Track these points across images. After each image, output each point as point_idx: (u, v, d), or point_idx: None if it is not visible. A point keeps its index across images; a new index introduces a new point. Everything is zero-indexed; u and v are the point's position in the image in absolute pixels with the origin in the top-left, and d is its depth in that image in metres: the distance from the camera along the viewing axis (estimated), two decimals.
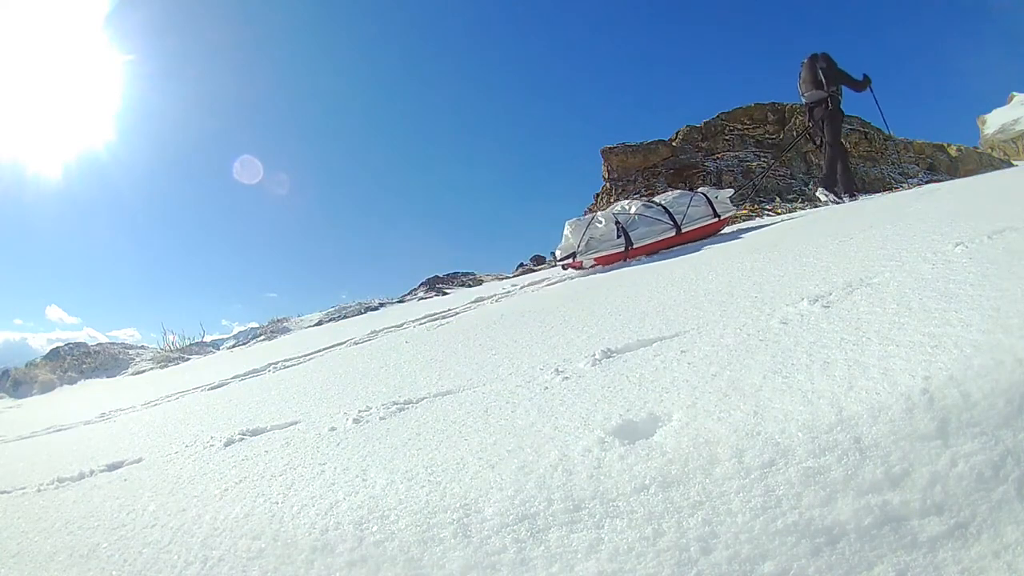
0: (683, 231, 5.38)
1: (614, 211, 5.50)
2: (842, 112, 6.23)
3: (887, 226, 3.34)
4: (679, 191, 6.16)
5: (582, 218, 5.48)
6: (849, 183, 6.25)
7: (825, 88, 6.01)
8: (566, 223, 5.45)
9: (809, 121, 6.49)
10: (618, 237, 5.16)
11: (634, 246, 5.17)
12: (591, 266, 5.31)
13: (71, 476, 2.29)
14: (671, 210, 5.41)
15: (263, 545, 1.29)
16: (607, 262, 5.23)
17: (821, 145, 6.49)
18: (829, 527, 0.93)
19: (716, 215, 5.67)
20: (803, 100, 6.41)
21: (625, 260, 5.17)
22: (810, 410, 1.13)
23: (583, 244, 5.22)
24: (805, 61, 6.29)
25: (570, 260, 5.41)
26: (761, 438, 1.09)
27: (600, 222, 5.27)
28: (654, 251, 5.33)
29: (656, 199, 5.63)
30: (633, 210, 5.41)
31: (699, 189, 6.09)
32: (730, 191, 6.18)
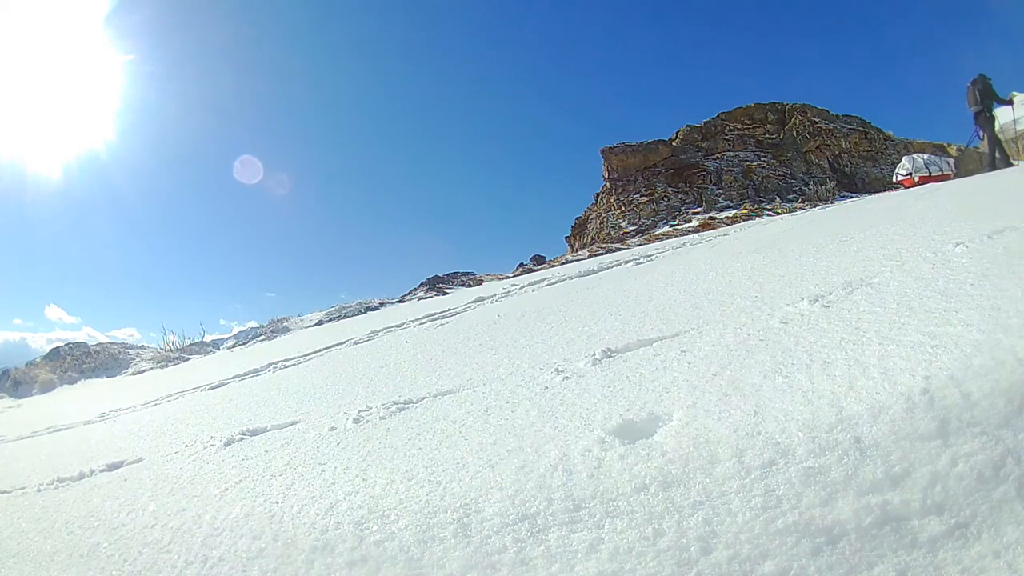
0: (944, 173, 9.92)
1: (917, 156, 10.86)
2: (994, 117, 9.23)
3: (887, 226, 3.34)
4: (929, 155, 11.57)
5: (909, 155, 10.98)
6: (994, 162, 9.13)
7: (979, 102, 9.09)
8: (904, 158, 11.20)
9: (976, 124, 9.42)
10: (926, 169, 10.34)
11: (932, 175, 9.87)
12: (917, 182, 9.74)
13: (71, 476, 2.29)
14: (938, 162, 10.48)
15: (263, 545, 1.29)
16: (923, 181, 9.66)
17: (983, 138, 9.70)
18: (829, 527, 0.93)
19: (950, 168, 10.17)
20: (970, 111, 9.38)
21: (929, 180, 9.35)
22: (810, 410, 1.13)
23: (914, 170, 10.28)
24: (968, 85, 9.14)
25: (907, 179, 10.26)
26: (761, 438, 1.09)
27: (920, 161, 10.53)
28: (934, 181, 9.00)
29: (927, 156, 11.12)
30: (927, 157, 10.73)
31: (938, 156, 11.48)
32: (952, 158, 11.19)
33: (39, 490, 2.25)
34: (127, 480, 2.06)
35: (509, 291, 6.59)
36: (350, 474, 1.49)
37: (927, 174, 10.10)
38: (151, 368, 11.53)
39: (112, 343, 15.56)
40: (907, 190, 9.07)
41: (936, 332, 1.34)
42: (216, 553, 1.33)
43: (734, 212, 19.30)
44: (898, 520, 0.92)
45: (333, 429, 2.00)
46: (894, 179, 11.08)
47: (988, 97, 9.10)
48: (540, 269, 14.06)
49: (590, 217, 25.24)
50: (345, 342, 5.69)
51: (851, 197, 17.10)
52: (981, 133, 9.41)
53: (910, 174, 10.31)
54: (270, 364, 5.24)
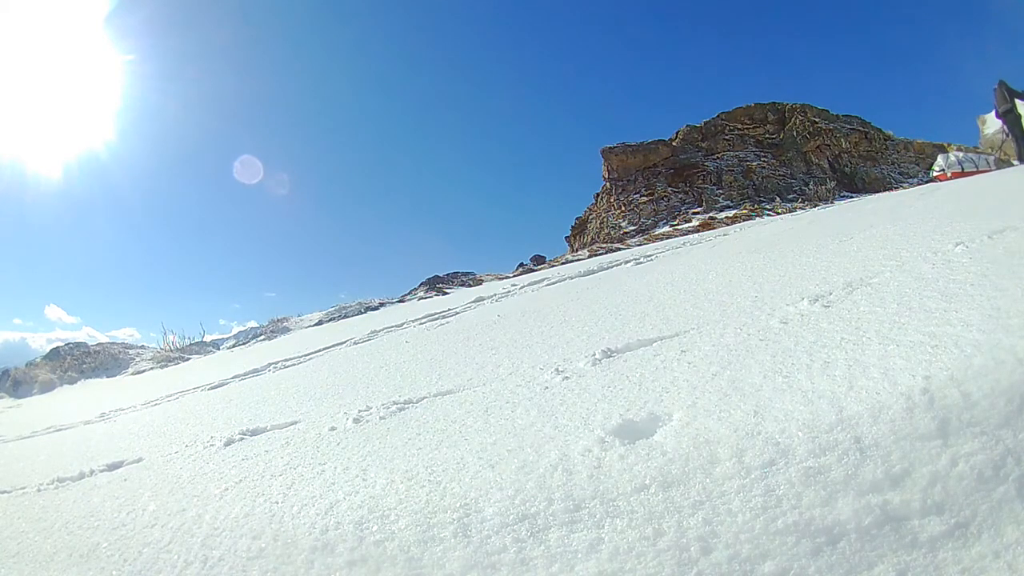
0: (979, 169, 10.48)
1: (952, 154, 11.92)
2: (1020, 115, 9.89)
3: (887, 226, 3.34)
4: (964, 153, 12.62)
5: (943, 154, 12.24)
6: (1021, 154, 10.10)
7: (1007, 101, 9.88)
8: (939, 156, 12.39)
9: (1005, 124, 10.24)
10: (959, 165, 11.17)
11: (964, 171, 10.61)
12: (949, 176, 10.60)
13: (71, 476, 2.29)
14: (974, 159, 11.39)
15: (263, 545, 1.29)
16: (955, 176, 10.50)
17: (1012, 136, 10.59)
18: (829, 527, 0.93)
19: (988, 165, 10.88)
20: (998, 111, 10.19)
21: (962, 175, 10.21)
22: (810, 410, 1.13)
23: (947, 166, 11.25)
24: (995, 88, 9.90)
25: (940, 174, 11.19)
26: (761, 438, 1.09)
27: (952, 158, 11.50)
28: (967, 176, 9.92)
29: (962, 154, 12.25)
30: (961, 155, 11.69)
31: (974, 153, 12.90)
32: (992, 156, 12.19)
33: (39, 490, 2.25)
34: (127, 480, 2.06)
35: (509, 291, 6.59)
36: (350, 474, 1.49)
37: (960, 170, 11.23)
38: (151, 368, 11.53)
39: (112, 343, 15.56)
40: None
41: (936, 332, 1.34)
42: (216, 553, 1.33)
43: (734, 212, 19.30)
44: (898, 520, 0.92)
45: (333, 429, 2.00)
46: (930, 175, 12.55)
47: (1013, 96, 9.82)
48: (540, 269, 14.10)
49: (590, 217, 25.24)
50: (345, 342, 5.69)
51: (851, 197, 17.12)
52: (1007, 132, 10.28)
53: (943, 170, 11.54)
54: (270, 364, 5.24)
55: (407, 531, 1.17)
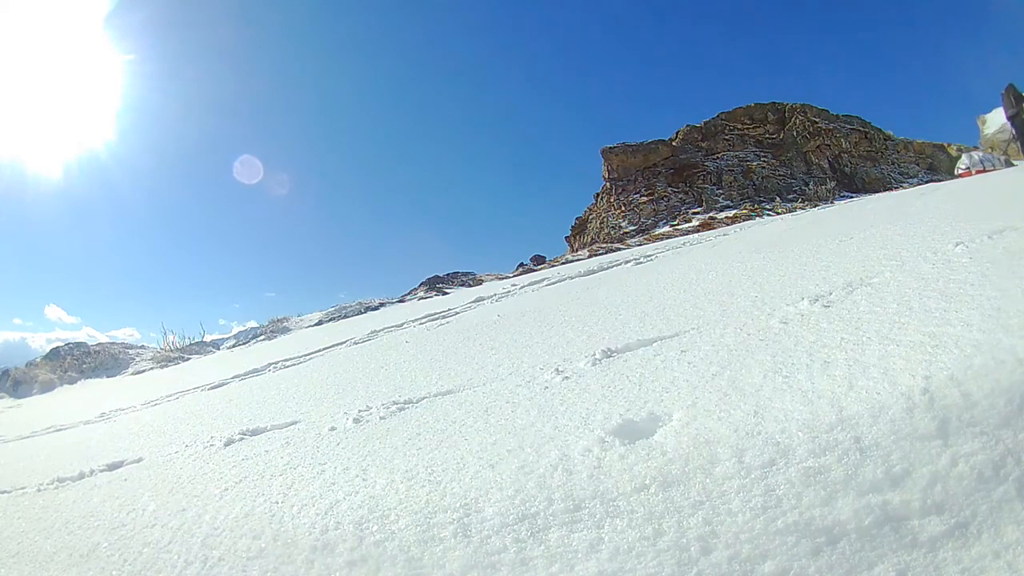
0: (996, 168, 11.41)
1: (973, 154, 12.99)
2: None
3: (887, 226, 3.35)
4: (982, 153, 13.74)
5: (968, 153, 13.35)
6: None
7: (1015, 105, 10.27)
8: (963, 155, 13.53)
9: (1013, 126, 10.82)
10: (981, 164, 12.21)
11: (985, 169, 11.50)
12: (975, 173, 11.37)
13: (71, 476, 2.29)
14: (992, 160, 12.56)
15: (263, 545, 1.29)
16: (978, 172, 11.36)
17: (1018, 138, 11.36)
18: (829, 527, 0.93)
19: (1002, 165, 12.11)
20: (1007, 114, 10.62)
21: (982, 172, 11.09)
22: (810, 410, 1.13)
23: (971, 165, 12.21)
24: (1003, 93, 10.24)
25: (966, 172, 12.02)
26: (761, 438, 1.09)
27: (976, 157, 12.64)
28: (985, 172, 11.04)
29: (982, 153, 13.89)
30: (981, 155, 12.83)
31: (988, 153, 14.47)
32: (1004, 156, 13.94)
33: (39, 490, 2.25)
34: (127, 480, 2.06)
35: (509, 291, 6.59)
36: (350, 474, 1.49)
37: (982, 168, 12.49)
38: (151, 368, 11.54)
39: (112, 343, 15.57)
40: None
41: (936, 332, 1.34)
42: (216, 553, 1.33)
43: (734, 212, 19.30)
44: (898, 520, 0.92)
45: (333, 429, 2.00)
46: (955, 172, 13.70)
47: (1021, 101, 10.18)
48: (540, 269, 14.13)
49: (590, 217, 25.23)
50: (345, 342, 5.69)
51: (851, 197, 17.13)
52: (1015, 135, 10.93)
53: (968, 168, 12.64)
54: (270, 364, 5.25)
55: (407, 531, 1.17)
